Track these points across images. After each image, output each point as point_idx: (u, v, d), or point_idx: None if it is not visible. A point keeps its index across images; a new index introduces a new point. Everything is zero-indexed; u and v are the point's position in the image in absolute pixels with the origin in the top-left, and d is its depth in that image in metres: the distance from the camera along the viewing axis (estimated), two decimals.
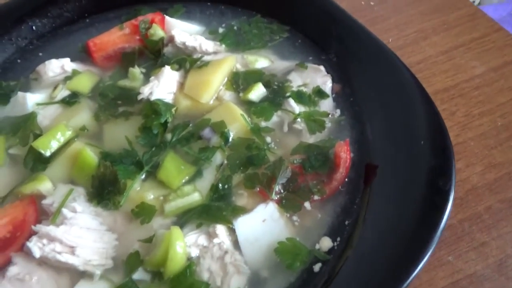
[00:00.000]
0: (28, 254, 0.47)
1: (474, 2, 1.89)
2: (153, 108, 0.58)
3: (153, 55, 0.68)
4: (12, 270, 0.47)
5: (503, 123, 0.65)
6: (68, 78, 0.66)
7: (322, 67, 0.64)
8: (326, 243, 0.48)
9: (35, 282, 0.46)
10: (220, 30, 0.72)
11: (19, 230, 0.50)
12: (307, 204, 0.51)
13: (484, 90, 0.69)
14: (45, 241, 0.47)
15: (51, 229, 0.48)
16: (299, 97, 0.60)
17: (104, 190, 0.52)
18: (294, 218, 0.50)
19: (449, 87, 0.70)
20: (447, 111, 0.67)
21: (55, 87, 0.65)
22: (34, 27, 0.72)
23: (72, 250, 0.47)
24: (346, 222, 0.49)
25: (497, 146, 0.62)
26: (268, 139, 0.57)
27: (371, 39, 0.62)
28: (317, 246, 0.48)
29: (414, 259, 0.41)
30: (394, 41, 0.77)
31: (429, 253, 0.41)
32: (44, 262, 0.48)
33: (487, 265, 0.52)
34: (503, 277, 0.51)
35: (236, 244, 0.48)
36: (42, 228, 0.48)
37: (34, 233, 0.49)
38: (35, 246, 0.47)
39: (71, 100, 0.63)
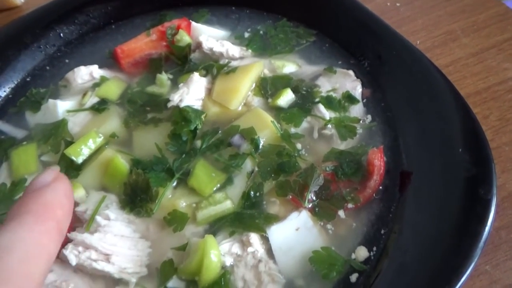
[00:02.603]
0: (64, 261, 0.48)
1: None
2: (183, 115, 0.58)
3: (180, 61, 0.68)
4: (49, 278, 0.47)
5: None
6: (96, 85, 0.66)
7: (351, 72, 0.63)
8: (362, 253, 0.47)
9: None
10: (246, 34, 0.72)
11: None
12: (341, 213, 0.50)
13: None
14: (80, 248, 0.48)
15: (86, 237, 0.48)
16: (329, 102, 0.60)
17: (136, 197, 0.52)
18: (328, 226, 0.50)
19: (481, 90, 0.68)
20: (480, 115, 0.65)
21: (84, 94, 0.65)
22: (61, 34, 0.73)
23: (107, 257, 0.48)
24: (382, 231, 0.48)
25: None
26: (299, 145, 0.57)
27: (402, 42, 0.60)
28: (353, 256, 0.47)
29: (456, 272, 0.40)
30: (422, 43, 0.76)
31: (472, 266, 0.40)
32: (80, 270, 0.48)
33: None
34: None
35: (269, 252, 0.48)
36: (77, 235, 0.49)
37: (70, 240, 0.49)
38: (71, 254, 0.47)
39: (100, 107, 0.63)
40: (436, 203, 0.47)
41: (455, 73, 0.71)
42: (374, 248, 0.47)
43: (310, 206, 0.51)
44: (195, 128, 0.57)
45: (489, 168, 0.45)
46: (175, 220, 0.51)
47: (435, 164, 0.50)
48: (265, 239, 0.49)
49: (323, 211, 0.50)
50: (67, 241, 0.49)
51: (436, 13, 0.81)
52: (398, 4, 0.83)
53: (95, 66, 0.68)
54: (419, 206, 0.48)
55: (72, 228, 0.51)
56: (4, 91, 0.67)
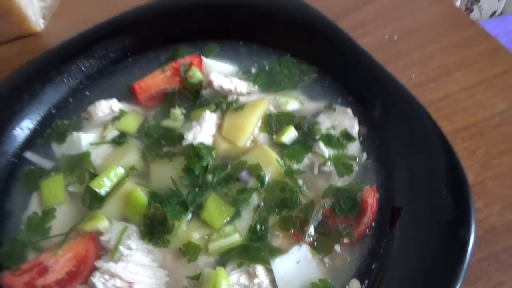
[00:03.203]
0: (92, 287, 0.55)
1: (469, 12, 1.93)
2: (196, 152, 0.63)
3: (192, 95, 0.74)
4: None
5: None
6: (116, 118, 0.72)
7: (349, 110, 0.68)
8: (355, 285, 0.53)
9: None
10: (253, 69, 0.77)
11: (83, 265, 0.57)
12: (337, 247, 0.56)
13: (504, 128, 0.72)
14: (106, 276, 0.54)
15: (111, 266, 0.55)
16: (328, 140, 0.65)
17: (154, 229, 0.59)
18: (326, 260, 0.56)
19: (470, 125, 0.74)
20: (468, 150, 0.71)
21: (105, 127, 0.71)
22: (83, 68, 0.78)
23: (130, 285, 0.54)
24: (373, 266, 0.54)
25: None
26: (300, 181, 0.62)
27: (396, 85, 0.65)
28: (347, 287, 0.53)
29: None
30: (417, 77, 0.81)
31: None
32: None
33: None
34: None
35: (273, 283, 0.54)
36: (103, 264, 0.55)
37: (96, 268, 0.56)
38: (99, 282, 0.54)
39: (120, 140, 0.69)
40: (422, 242, 0.53)
41: (447, 107, 0.77)
42: (366, 281, 0.53)
43: (309, 240, 0.57)
44: (207, 164, 0.64)
45: (468, 212, 0.51)
46: (189, 251, 0.57)
47: (422, 204, 0.55)
48: (270, 271, 0.55)
49: (321, 245, 0.56)
50: (94, 268, 0.56)
51: (431, 47, 0.85)
52: (395, 37, 0.88)
53: (115, 100, 0.74)
54: (406, 244, 0.54)
55: (97, 256, 0.58)
56: (32, 123, 0.73)
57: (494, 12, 2.10)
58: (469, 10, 2.05)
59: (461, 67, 0.82)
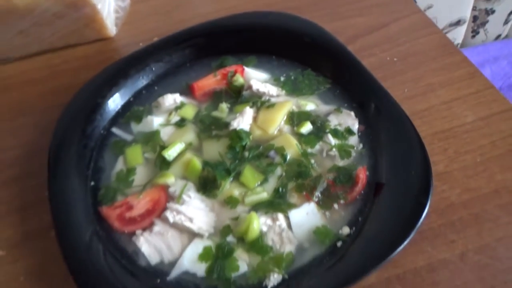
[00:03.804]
0: (164, 220, 0.79)
1: (456, 42, 2.13)
2: (238, 135, 0.87)
3: (235, 95, 0.98)
4: (156, 228, 0.77)
5: (480, 160, 0.90)
6: (178, 108, 0.96)
7: (352, 113, 0.91)
8: (345, 230, 0.76)
9: (169, 236, 0.76)
10: (281, 78, 1.01)
11: (157, 205, 0.81)
12: (335, 205, 0.79)
13: (471, 134, 0.94)
14: (175, 213, 0.78)
15: (178, 206, 0.78)
16: (335, 133, 0.88)
17: (207, 185, 0.82)
18: (327, 213, 0.78)
19: (445, 130, 0.95)
20: (441, 148, 0.93)
21: (170, 114, 0.96)
22: (153, 68, 1.04)
23: (191, 219, 0.77)
24: (360, 219, 0.77)
25: (473, 176, 0.87)
26: (312, 161, 0.86)
27: (388, 97, 0.88)
28: (340, 232, 0.76)
29: (399, 241, 0.68)
30: (409, 92, 1.03)
31: (410, 237, 0.68)
32: (174, 226, 0.78)
33: (453, 255, 0.78)
34: (462, 263, 0.77)
35: (289, 225, 0.77)
36: (172, 205, 0.79)
37: (166, 208, 0.80)
38: (170, 216, 0.77)
39: (181, 123, 0.94)
40: (395, 205, 0.75)
41: (429, 116, 0.98)
42: (353, 228, 0.76)
43: (316, 200, 0.80)
44: (245, 144, 0.87)
45: (428, 186, 0.74)
46: (231, 202, 0.80)
47: (398, 180, 0.78)
48: (287, 218, 0.78)
49: (324, 204, 0.79)
50: (165, 209, 0.80)
51: (423, 68, 1.07)
52: (395, 59, 1.10)
53: (177, 94, 0.98)
54: (384, 205, 0.77)
55: (167, 201, 0.82)
56: (117, 107, 0.98)
57: (499, 35, 2.30)
58: (475, 32, 2.25)
59: (444, 85, 1.04)
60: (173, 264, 0.76)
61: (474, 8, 2.12)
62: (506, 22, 2.22)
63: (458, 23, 2.11)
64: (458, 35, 2.16)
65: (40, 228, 0.88)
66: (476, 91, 1.02)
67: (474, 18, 2.18)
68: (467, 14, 2.10)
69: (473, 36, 2.26)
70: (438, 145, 0.93)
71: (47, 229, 0.86)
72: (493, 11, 2.15)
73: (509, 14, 2.18)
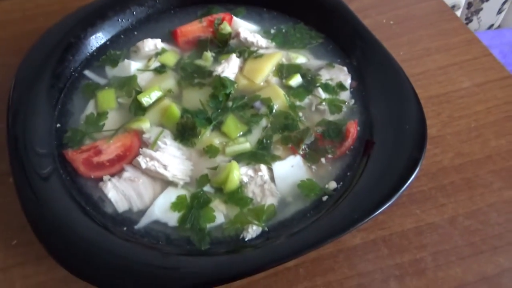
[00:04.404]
0: (136, 166, 0.72)
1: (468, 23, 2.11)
2: (221, 82, 0.81)
3: (221, 44, 0.91)
4: (126, 174, 0.71)
5: (475, 125, 0.86)
6: (158, 54, 0.89)
7: (345, 68, 0.86)
8: (332, 185, 0.71)
9: (140, 183, 0.70)
10: (272, 31, 0.95)
11: (128, 151, 0.74)
12: (322, 160, 0.74)
13: (466, 100, 0.90)
14: (147, 159, 0.71)
15: (151, 152, 0.72)
16: (326, 87, 0.83)
17: (185, 133, 0.76)
18: (313, 167, 0.73)
19: (440, 94, 0.92)
20: (435, 112, 0.89)
21: (149, 59, 0.89)
22: (134, 12, 0.96)
23: (165, 167, 0.71)
24: (348, 174, 0.72)
25: (467, 141, 0.84)
26: (300, 114, 0.80)
27: (385, 53, 0.83)
28: (326, 186, 0.71)
29: (390, 196, 0.63)
30: (404, 55, 0.98)
31: (402, 191, 0.63)
32: (146, 173, 0.72)
33: (443, 219, 0.74)
34: (452, 227, 0.73)
35: (272, 178, 0.71)
36: (146, 151, 0.72)
37: (139, 153, 0.73)
38: (142, 162, 0.71)
39: (161, 70, 0.87)
40: (386, 161, 0.70)
41: (423, 80, 0.94)
42: (341, 183, 0.71)
43: (302, 153, 0.74)
44: (229, 93, 0.81)
45: (423, 140, 0.69)
46: (210, 151, 0.74)
47: (390, 135, 0.73)
48: (270, 170, 0.72)
49: (311, 157, 0.74)
50: (138, 153, 0.73)
51: (419, 33, 1.03)
52: (391, 22, 1.05)
53: (158, 40, 0.91)
54: (375, 162, 0.71)
55: (140, 147, 0.75)
56: (91, 49, 0.90)
57: (492, 25, 2.28)
58: (468, 20, 2.23)
59: (440, 51, 1.00)
60: (142, 212, 0.69)
61: None
62: (499, 11, 2.20)
63: (452, 8, 2.08)
64: None
65: None
66: (473, 57, 0.98)
67: (469, 5, 2.15)
68: None
69: (466, 24, 2.23)
70: (431, 109, 0.89)
71: (4, 175, 0.79)
72: None
73: (503, 3, 2.17)
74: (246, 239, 0.65)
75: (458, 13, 2.14)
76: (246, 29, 0.92)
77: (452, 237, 0.73)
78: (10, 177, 0.79)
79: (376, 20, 1.05)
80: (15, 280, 0.70)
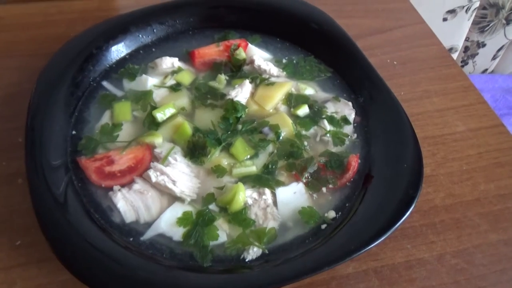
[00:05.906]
0: (146, 179, 0.75)
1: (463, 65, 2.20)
2: (234, 106, 0.85)
3: (235, 68, 0.96)
4: (136, 186, 0.74)
5: (466, 168, 0.91)
6: (175, 72, 0.93)
7: (350, 103, 0.91)
8: (331, 214, 0.74)
9: (149, 196, 0.73)
10: (284, 60, 1.00)
11: (140, 164, 0.77)
12: (324, 189, 0.77)
13: (460, 143, 0.96)
14: (158, 173, 0.74)
15: (162, 167, 0.75)
16: (331, 120, 0.88)
17: (195, 151, 0.79)
18: (314, 195, 0.77)
19: (436, 136, 0.97)
20: (430, 152, 0.94)
21: (166, 76, 0.93)
22: (154, 30, 1.00)
23: (174, 182, 0.74)
24: (347, 205, 0.76)
25: (458, 183, 0.89)
26: (305, 143, 0.84)
27: (389, 93, 0.88)
28: (326, 214, 0.75)
29: (385, 231, 0.68)
30: (405, 95, 1.04)
31: (396, 226, 0.67)
32: (155, 186, 0.74)
33: (431, 255, 0.78)
34: (439, 264, 0.77)
35: (275, 202, 0.75)
36: (157, 165, 0.75)
37: (150, 167, 0.76)
38: (153, 175, 0.74)
39: (176, 87, 0.90)
40: (384, 195, 0.74)
41: (422, 120, 0.99)
42: (339, 213, 0.75)
43: (305, 181, 0.78)
44: (240, 116, 0.85)
45: (419, 180, 0.73)
46: (218, 171, 0.77)
47: (389, 171, 0.78)
48: (274, 194, 0.76)
49: (312, 185, 0.78)
50: (149, 166, 0.76)
51: (420, 75, 1.09)
52: (395, 63, 1.12)
53: (176, 59, 0.95)
54: (373, 195, 0.76)
55: (151, 161, 0.78)
56: (111, 61, 0.94)
57: (486, 70, 2.38)
58: (464, 62, 2.33)
59: (439, 95, 1.06)
60: (149, 224, 0.72)
61: (467, 39, 2.19)
62: (494, 57, 2.31)
63: (450, 50, 2.18)
64: None
65: (7, 174, 0.82)
66: (469, 103, 1.04)
67: (466, 49, 2.26)
68: (460, 43, 2.17)
69: (462, 66, 2.33)
70: (427, 149, 0.94)
71: (14, 175, 0.81)
72: (484, 45, 2.23)
73: (498, 50, 2.27)
74: (246, 260, 0.68)
75: (455, 55, 2.24)
76: (260, 56, 0.97)
77: (439, 274, 0.77)
78: (19, 177, 0.82)
79: (381, 59, 1.11)
80: (16, 281, 0.71)
